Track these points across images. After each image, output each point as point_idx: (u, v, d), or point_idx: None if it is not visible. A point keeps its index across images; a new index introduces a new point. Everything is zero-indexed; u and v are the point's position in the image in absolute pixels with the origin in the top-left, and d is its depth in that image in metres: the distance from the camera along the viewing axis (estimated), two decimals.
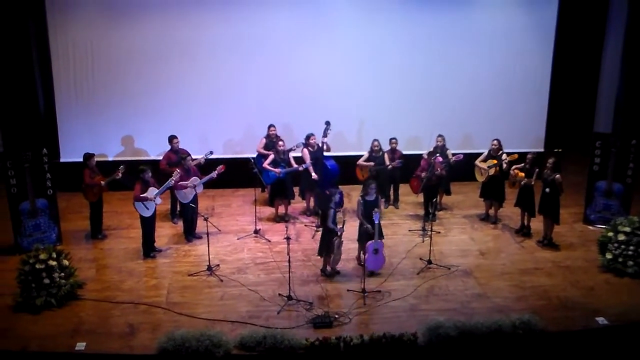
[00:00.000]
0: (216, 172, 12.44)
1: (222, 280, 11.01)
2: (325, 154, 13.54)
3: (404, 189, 14.18)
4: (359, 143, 15.12)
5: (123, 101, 14.81)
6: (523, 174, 12.37)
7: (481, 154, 13.40)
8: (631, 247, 11.10)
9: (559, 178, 11.77)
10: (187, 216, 12.57)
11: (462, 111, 15.43)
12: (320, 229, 12.73)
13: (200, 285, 10.90)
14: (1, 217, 12.41)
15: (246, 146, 14.76)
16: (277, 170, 13.01)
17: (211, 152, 13.30)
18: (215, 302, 10.34)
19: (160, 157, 13.42)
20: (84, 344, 9.17)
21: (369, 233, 10.88)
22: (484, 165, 13.11)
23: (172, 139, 13.17)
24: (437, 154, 13.11)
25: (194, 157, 12.99)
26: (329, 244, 10.92)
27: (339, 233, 10.78)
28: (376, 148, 13.47)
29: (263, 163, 13.28)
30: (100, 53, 14.59)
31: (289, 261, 10.38)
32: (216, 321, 9.75)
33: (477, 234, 12.99)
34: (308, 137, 13.43)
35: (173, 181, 11.85)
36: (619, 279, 11.08)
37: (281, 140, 13.46)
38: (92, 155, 12.41)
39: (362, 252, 11.25)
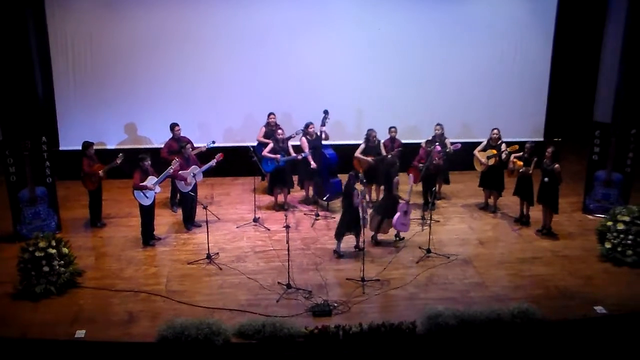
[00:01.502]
0: (215, 160, 12.45)
1: (221, 269, 11.03)
2: (324, 142, 13.52)
3: (402, 177, 14.12)
4: (357, 132, 15.06)
5: (122, 89, 14.80)
6: (521, 163, 12.37)
7: (480, 143, 13.40)
8: (630, 237, 11.11)
9: (558, 167, 11.77)
10: (186, 204, 12.57)
11: (461, 100, 15.43)
12: (319, 217, 12.81)
13: (200, 274, 10.92)
14: (1, 206, 12.42)
15: (246, 135, 14.74)
16: (277, 156, 13.00)
17: (213, 142, 13.33)
18: (215, 291, 10.37)
19: (162, 145, 13.40)
20: (84, 331, 9.20)
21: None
22: (483, 156, 13.11)
23: (173, 126, 13.15)
24: (437, 143, 13.10)
25: (195, 145, 12.99)
26: (357, 219, 11.13)
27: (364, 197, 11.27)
28: (373, 138, 13.43)
29: (263, 151, 13.28)
30: (99, 41, 14.57)
31: (288, 250, 10.42)
32: (215, 309, 9.77)
33: (476, 223, 13.00)
34: (307, 126, 13.41)
35: (172, 170, 11.85)
36: (617, 268, 11.10)
37: (280, 128, 13.45)
38: (91, 143, 12.41)
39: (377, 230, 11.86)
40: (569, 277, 10.85)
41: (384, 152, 13.39)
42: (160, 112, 14.58)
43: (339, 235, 11.48)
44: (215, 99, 15.01)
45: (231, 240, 12.14)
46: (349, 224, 11.33)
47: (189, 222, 12.59)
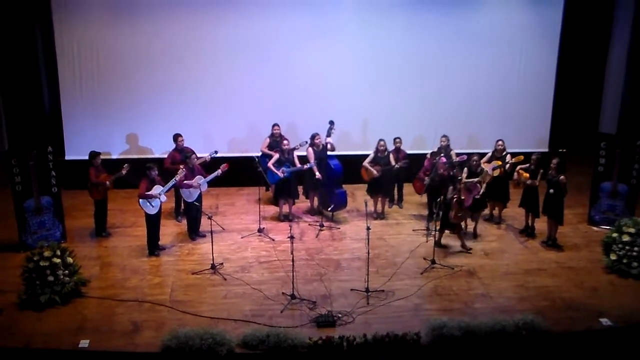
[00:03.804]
0: (220, 170, 12.46)
1: (225, 279, 11.03)
2: (329, 153, 13.52)
3: (407, 188, 14.18)
4: (363, 143, 15.13)
5: (128, 99, 14.84)
6: (527, 175, 12.36)
7: (485, 154, 13.38)
8: (635, 248, 11.07)
9: (563, 179, 11.75)
10: (191, 214, 12.58)
11: (466, 111, 15.41)
12: (324, 228, 12.81)
13: (204, 284, 10.92)
14: (6, 215, 12.45)
15: (250, 145, 14.76)
16: (280, 171, 12.99)
17: (216, 152, 13.35)
18: (219, 301, 10.36)
19: (165, 156, 13.44)
20: (88, 341, 9.19)
21: None
22: (488, 167, 13.10)
23: (176, 137, 13.18)
24: (442, 154, 13.10)
25: (198, 155, 13.02)
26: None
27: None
28: (382, 148, 13.41)
29: (267, 162, 13.29)
30: (105, 51, 14.62)
31: (293, 260, 10.41)
32: (220, 319, 9.77)
33: (481, 234, 12.96)
34: (313, 137, 13.40)
35: (177, 179, 11.86)
36: (623, 280, 11.06)
37: (286, 139, 13.45)
38: (98, 153, 12.43)
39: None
40: (574, 288, 10.82)
41: (393, 163, 13.39)
42: (164, 122, 14.61)
43: (441, 229, 12.07)
44: (220, 109, 15.02)
45: (236, 251, 12.14)
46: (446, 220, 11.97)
47: (194, 232, 12.59)
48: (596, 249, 11.97)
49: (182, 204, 13.15)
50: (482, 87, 15.46)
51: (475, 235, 12.64)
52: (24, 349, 9.06)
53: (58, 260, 10.20)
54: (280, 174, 12.97)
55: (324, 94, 15.00)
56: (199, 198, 12.38)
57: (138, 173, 11.91)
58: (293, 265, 10.41)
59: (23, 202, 11.87)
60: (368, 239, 10.79)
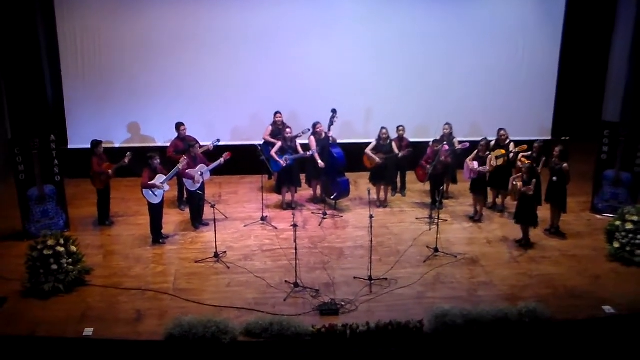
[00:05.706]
0: (223, 159, 12.47)
1: (228, 267, 11.04)
2: (332, 142, 13.51)
3: (410, 176, 14.17)
4: (365, 131, 15.11)
5: (130, 88, 14.83)
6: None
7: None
8: (639, 236, 11.06)
9: (566, 167, 11.73)
10: (194, 203, 12.59)
11: (469, 99, 15.38)
12: (327, 216, 12.80)
13: (207, 272, 10.94)
14: (9, 204, 12.49)
15: (253, 133, 14.75)
16: (282, 160, 12.97)
17: (218, 140, 13.34)
18: (222, 289, 10.38)
19: (168, 144, 13.44)
20: (92, 329, 9.22)
21: None
22: (491, 157, 13.07)
23: (179, 126, 13.18)
24: (444, 142, 13.10)
25: (201, 144, 13.01)
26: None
27: None
28: (384, 136, 13.39)
29: (270, 150, 13.29)
30: (108, 40, 14.60)
31: (296, 248, 10.42)
32: (223, 308, 9.78)
33: (484, 222, 12.96)
34: (314, 126, 13.40)
35: (180, 168, 11.87)
36: (626, 268, 11.05)
37: (288, 127, 13.43)
38: (100, 142, 12.45)
39: None
40: (577, 276, 10.82)
41: (396, 151, 13.37)
42: (167, 110, 14.61)
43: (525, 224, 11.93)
44: (222, 98, 15.01)
45: (239, 239, 12.15)
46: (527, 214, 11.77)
47: (197, 220, 12.61)
48: (599, 237, 11.96)
49: (185, 193, 13.15)
50: (485, 75, 15.41)
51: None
52: (29, 337, 9.09)
53: (62, 249, 10.22)
54: (283, 162, 12.96)
55: (326, 82, 14.99)
56: (202, 186, 12.38)
57: (140, 162, 11.92)
58: (296, 253, 10.43)
59: (26, 191, 11.88)
60: (371, 227, 10.79)
